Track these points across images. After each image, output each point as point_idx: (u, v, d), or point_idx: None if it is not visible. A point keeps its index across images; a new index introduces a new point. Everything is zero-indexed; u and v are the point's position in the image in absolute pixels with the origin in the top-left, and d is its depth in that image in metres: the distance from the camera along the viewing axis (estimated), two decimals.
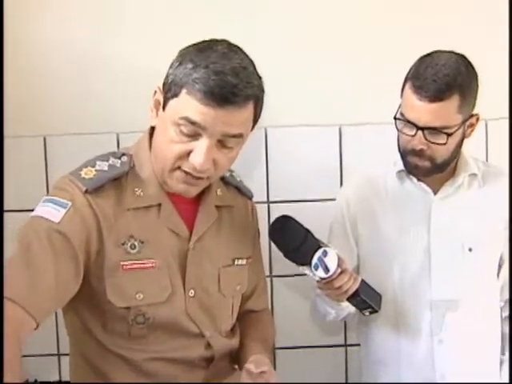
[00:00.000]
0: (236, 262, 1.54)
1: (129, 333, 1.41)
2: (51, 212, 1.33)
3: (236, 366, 1.57)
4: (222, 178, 1.55)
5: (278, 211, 1.53)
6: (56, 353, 2.31)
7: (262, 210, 1.75)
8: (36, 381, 2.22)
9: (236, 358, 1.56)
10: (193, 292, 1.45)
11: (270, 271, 2.24)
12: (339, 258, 1.48)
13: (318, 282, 1.53)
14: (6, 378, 1.12)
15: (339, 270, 1.49)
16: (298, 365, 2.32)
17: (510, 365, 1.76)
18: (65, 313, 1.47)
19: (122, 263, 1.37)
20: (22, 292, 1.24)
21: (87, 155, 1.46)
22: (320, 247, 1.49)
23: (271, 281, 2.25)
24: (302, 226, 1.50)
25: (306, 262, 1.49)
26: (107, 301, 1.38)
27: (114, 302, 1.38)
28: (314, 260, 1.48)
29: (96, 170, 1.39)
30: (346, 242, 1.84)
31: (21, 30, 2.18)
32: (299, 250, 1.48)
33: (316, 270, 1.48)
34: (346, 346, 2.36)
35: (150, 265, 1.40)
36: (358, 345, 2.04)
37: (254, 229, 1.65)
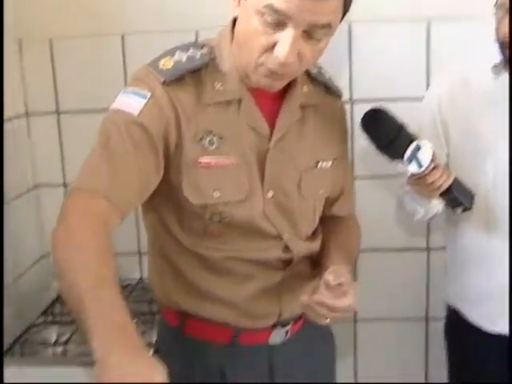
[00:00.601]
0: (320, 165, 1.47)
1: (205, 231, 1.39)
2: (130, 103, 1.29)
3: (316, 272, 1.51)
4: (309, 75, 1.46)
5: (361, 110, 1.46)
6: (137, 251, 2.35)
7: None
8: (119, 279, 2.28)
9: (317, 263, 1.51)
10: (271, 193, 1.40)
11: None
12: (433, 153, 1.43)
13: (409, 177, 1.49)
14: (102, 272, 1.08)
15: (432, 165, 1.44)
16: (378, 268, 2.31)
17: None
18: (144, 210, 1.46)
19: (199, 159, 1.33)
20: (105, 184, 1.22)
21: None
22: (413, 141, 1.42)
23: None
24: (395, 118, 1.43)
25: (399, 156, 1.43)
26: (184, 198, 1.35)
27: (190, 200, 1.35)
28: (408, 154, 1.42)
29: (174, 61, 1.33)
30: (436, 140, 1.74)
31: None
32: (393, 144, 1.42)
33: (409, 164, 1.43)
34: (428, 249, 2.33)
35: (228, 162, 1.35)
36: (441, 248, 1.99)
37: (343, 129, 1.57)
